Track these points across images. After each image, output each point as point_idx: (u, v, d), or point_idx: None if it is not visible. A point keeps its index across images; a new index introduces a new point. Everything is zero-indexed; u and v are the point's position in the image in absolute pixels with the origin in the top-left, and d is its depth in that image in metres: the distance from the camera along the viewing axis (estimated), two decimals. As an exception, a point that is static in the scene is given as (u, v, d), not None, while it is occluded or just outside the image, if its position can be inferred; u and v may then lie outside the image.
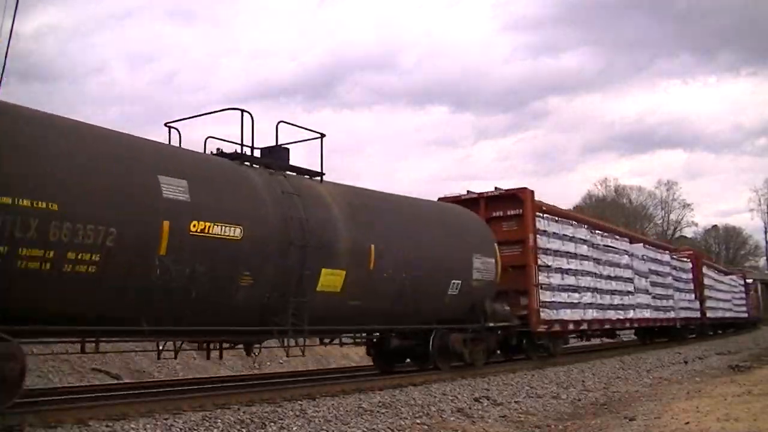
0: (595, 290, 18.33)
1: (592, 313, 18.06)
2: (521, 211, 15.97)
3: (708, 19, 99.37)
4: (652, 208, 71.75)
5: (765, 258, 77.12)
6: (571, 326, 17.18)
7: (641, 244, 23.72)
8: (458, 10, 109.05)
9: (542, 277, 15.84)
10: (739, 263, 67.67)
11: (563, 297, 16.59)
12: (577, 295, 17.25)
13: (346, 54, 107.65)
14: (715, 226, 77.74)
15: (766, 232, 75.60)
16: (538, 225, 16.07)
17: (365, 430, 7.29)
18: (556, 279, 16.40)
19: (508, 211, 16.22)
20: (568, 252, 17.23)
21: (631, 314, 20.91)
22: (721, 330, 37.52)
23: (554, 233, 16.72)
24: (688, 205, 72.82)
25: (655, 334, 26.28)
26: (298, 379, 12.35)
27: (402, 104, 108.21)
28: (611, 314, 19.37)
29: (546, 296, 15.86)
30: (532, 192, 16.23)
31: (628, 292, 20.77)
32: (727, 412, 8.15)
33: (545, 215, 16.58)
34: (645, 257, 23.17)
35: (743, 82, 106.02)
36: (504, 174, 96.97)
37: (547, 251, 16.29)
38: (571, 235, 17.48)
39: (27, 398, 8.45)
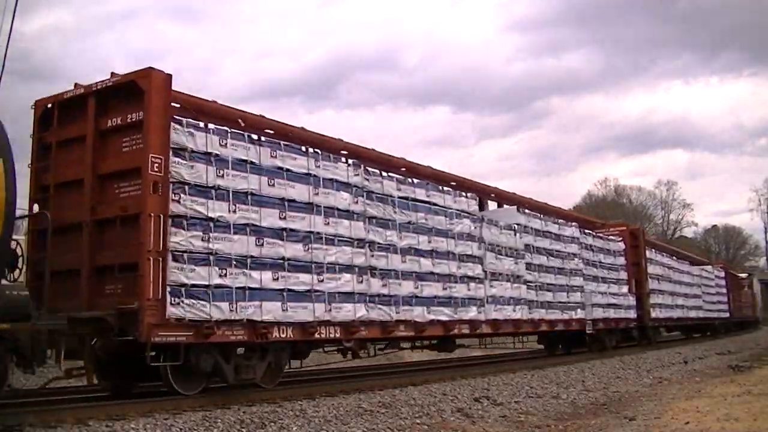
0: (371, 271, 11.42)
1: (357, 310, 10.99)
2: (142, 114, 8.79)
3: (710, 20, 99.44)
4: (652, 208, 71.84)
5: (765, 258, 77.24)
6: (287, 333, 9.92)
7: (514, 208, 16.42)
8: (460, 10, 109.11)
9: (187, 239, 8.76)
10: (739, 263, 67.63)
11: (262, 279, 9.60)
12: (306, 277, 10.23)
13: (347, 54, 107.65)
14: (715, 226, 77.66)
15: (766, 232, 75.59)
16: (183, 140, 8.97)
17: (365, 430, 7.30)
18: (238, 245, 9.36)
19: (128, 116, 8.98)
20: (286, 199, 10.16)
21: (473, 313, 13.65)
22: (698, 333, 31.14)
23: (241, 161, 9.65)
24: (688, 205, 72.95)
25: (575, 343, 19.32)
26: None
27: (403, 104, 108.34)
28: (419, 312, 12.27)
29: (197, 275, 8.78)
30: (168, 77, 8.95)
31: (469, 278, 13.72)
32: (727, 412, 8.17)
33: (215, 126, 9.48)
34: (518, 227, 15.86)
35: (744, 82, 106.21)
36: (505, 174, 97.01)
37: (213, 193, 9.17)
38: (303, 171, 10.52)
39: (27, 398, 8.50)
